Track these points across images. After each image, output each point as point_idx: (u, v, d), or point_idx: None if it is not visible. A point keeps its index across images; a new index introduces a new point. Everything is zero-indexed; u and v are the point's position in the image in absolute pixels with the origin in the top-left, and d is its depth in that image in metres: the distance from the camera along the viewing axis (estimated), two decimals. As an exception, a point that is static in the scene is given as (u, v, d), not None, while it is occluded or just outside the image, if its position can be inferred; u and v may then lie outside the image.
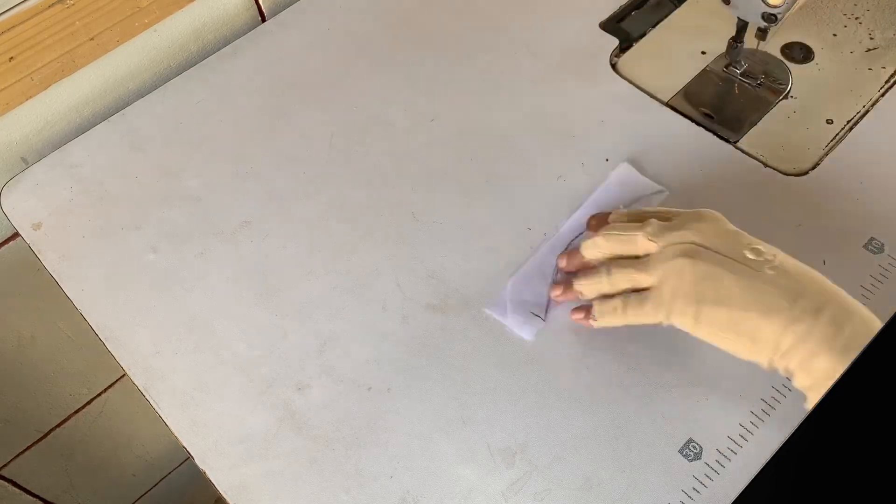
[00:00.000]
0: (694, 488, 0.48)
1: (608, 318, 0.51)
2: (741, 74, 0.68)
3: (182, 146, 0.67)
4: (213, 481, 0.51)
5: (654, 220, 0.50)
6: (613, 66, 0.69)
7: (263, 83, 0.70)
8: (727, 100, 0.67)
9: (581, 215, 0.59)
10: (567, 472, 0.49)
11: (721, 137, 0.63)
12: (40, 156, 0.67)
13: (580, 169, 0.62)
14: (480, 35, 0.73)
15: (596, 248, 0.52)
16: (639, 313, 0.48)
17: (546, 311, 0.55)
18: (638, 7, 0.74)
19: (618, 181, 0.61)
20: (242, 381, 0.54)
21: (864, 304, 0.44)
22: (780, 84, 0.68)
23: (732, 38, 0.66)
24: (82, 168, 0.66)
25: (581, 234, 0.58)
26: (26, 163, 0.68)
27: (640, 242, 0.50)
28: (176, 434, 0.53)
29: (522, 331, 0.54)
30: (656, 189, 0.60)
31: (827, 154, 0.62)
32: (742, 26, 0.64)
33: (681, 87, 0.68)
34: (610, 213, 0.54)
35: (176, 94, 0.70)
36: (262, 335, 0.56)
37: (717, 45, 0.70)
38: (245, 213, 0.62)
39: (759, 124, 0.65)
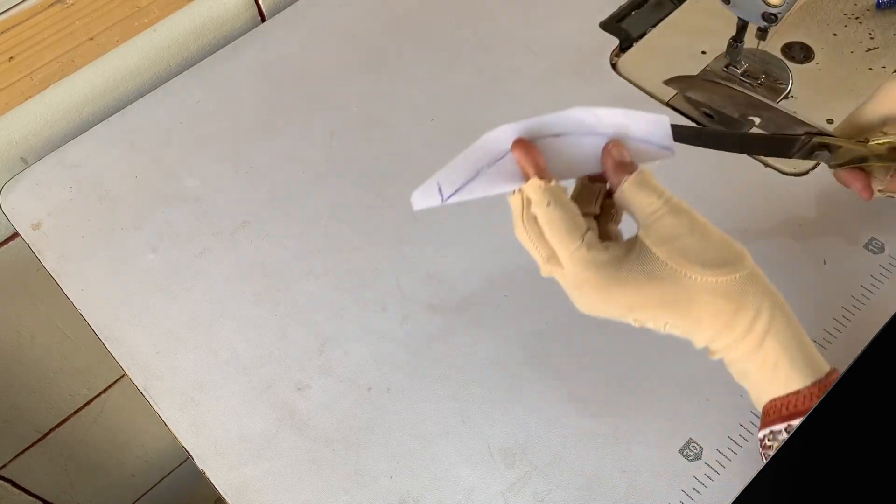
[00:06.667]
0: (694, 488, 0.48)
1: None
2: (741, 74, 0.68)
3: (182, 146, 0.67)
4: (212, 481, 0.51)
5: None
6: (613, 65, 0.69)
7: (263, 83, 0.70)
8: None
9: (576, 121, 0.46)
10: (567, 472, 0.49)
11: (721, 137, 0.63)
12: (40, 156, 0.67)
13: (580, 169, 0.62)
14: (480, 35, 0.72)
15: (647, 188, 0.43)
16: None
17: (452, 196, 0.46)
18: (638, 7, 0.74)
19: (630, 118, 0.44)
20: (242, 381, 0.54)
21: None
22: (780, 84, 0.68)
23: (732, 38, 0.66)
24: (82, 168, 0.66)
25: (559, 135, 0.47)
26: (26, 163, 0.68)
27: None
28: (176, 434, 0.53)
29: (417, 193, 0.45)
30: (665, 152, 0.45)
31: (827, 154, 0.62)
32: (742, 26, 0.64)
33: (681, 86, 0.68)
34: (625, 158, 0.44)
35: (176, 94, 0.70)
36: (262, 335, 0.56)
37: (717, 45, 0.70)
38: (245, 213, 0.62)
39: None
